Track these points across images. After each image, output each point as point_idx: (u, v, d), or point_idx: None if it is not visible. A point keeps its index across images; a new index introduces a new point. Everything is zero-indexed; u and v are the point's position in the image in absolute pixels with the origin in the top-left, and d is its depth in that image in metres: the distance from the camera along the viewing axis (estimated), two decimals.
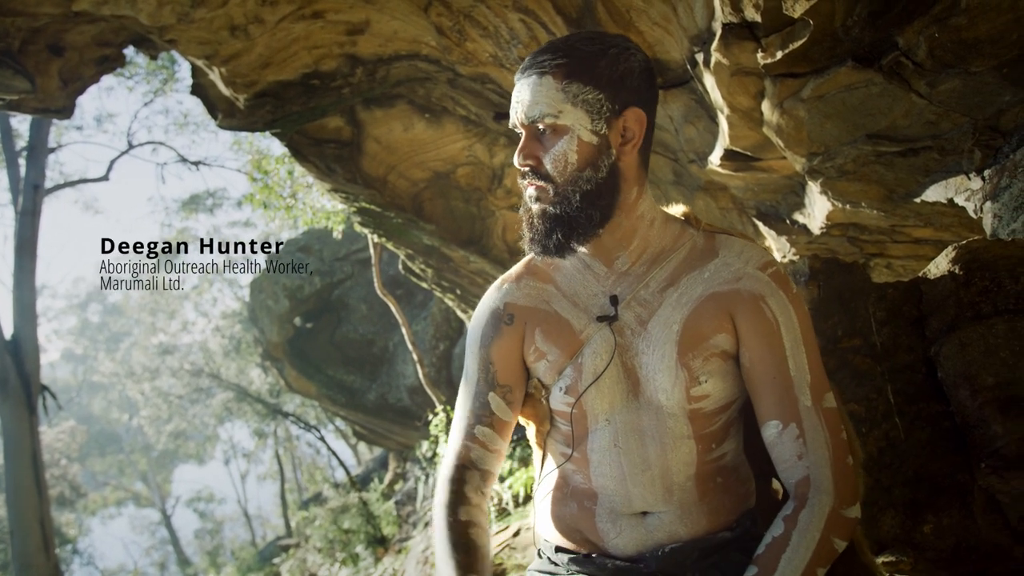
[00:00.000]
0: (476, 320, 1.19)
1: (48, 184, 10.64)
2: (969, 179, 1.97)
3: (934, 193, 2.12)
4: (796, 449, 1.00)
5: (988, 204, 1.90)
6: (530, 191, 1.06)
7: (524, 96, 1.03)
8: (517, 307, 1.15)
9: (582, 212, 1.03)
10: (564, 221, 1.04)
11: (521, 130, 1.06)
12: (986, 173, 1.91)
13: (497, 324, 1.15)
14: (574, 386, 1.08)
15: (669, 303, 1.07)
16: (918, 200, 2.20)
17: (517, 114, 1.05)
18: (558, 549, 1.12)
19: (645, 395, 1.06)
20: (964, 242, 1.33)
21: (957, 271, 1.29)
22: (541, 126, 1.03)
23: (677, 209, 1.18)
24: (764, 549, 0.98)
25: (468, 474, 1.13)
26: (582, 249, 1.12)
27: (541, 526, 1.18)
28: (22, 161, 10.11)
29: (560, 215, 1.03)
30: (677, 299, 1.07)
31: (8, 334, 9.09)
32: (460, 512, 1.09)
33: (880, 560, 1.20)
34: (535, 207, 1.06)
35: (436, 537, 1.08)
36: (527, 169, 1.05)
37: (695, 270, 1.08)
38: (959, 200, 2.05)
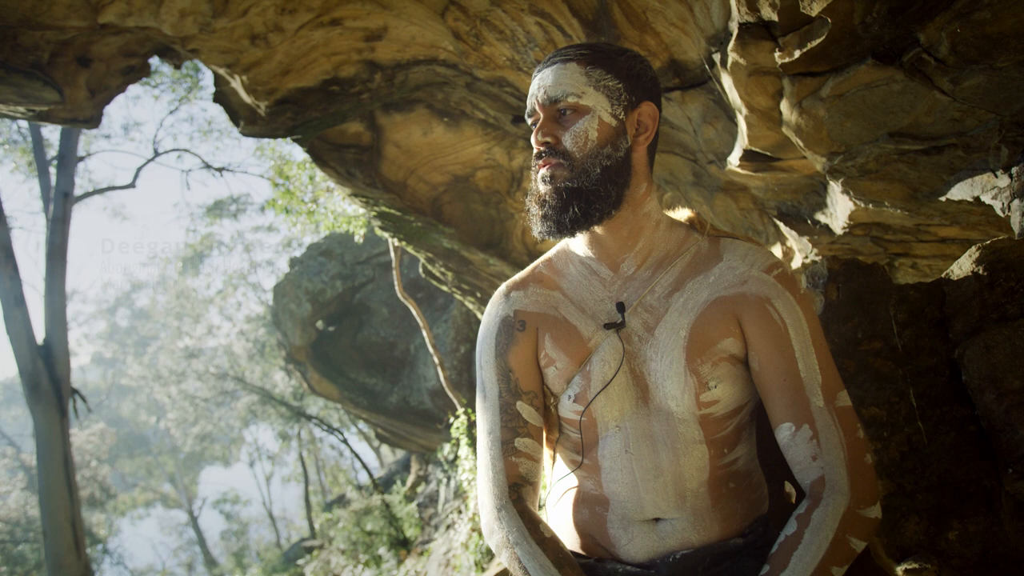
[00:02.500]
0: (486, 331, 1.17)
1: (77, 192, 10.87)
2: (996, 177, 1.93)
3: (960, 191, 2.07)
4: (810, 450, 0.99)
5: (1016, 202, 1.86)
6: (543, 171, 1.06)
7: (547, 80, 1.06)
8: (527, 313, 1.14)
9: (601, 186, 1.04)
10: (582, 195, 1.04)
11: (539, 113, 1.07)
12: (1013, 170, 1.86)
13: (510, 332, 1.14)
14: (583, 394, 1.07)
15: (675, 309, 1.06)
16: (943, 199, 2.15)
17: (538, 96, 1.07)
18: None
19: (655, 402, 1.05)
20: (988, 242, 1.30)
21: (981, 272, 1.26)
22: (562, 106, 1.05)
23: (682, 214, 1.17)
24: (777, 548, 0.97)
25: (524, 491, 1.08)
26: (588, 253, 1.12)
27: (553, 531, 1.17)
28: (52, 170, 10.34)
29: (578, 189, 1.04)
30: (683, 304, 1.06)
31: (40, 339, 9.30)
32: (543, 530, 1.04)
33: (903, 567, 1.18)
34: (548, 187, 1.05)
35: (530, 566, 0.99)
36: (544, 148, 1.05)
37: (700, 274, 1.08)
38: (986, 198, 2.00)
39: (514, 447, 1.09)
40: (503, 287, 1.20)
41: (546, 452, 1.22)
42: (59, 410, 9.11)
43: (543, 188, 1.06)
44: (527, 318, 1.13)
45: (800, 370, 1.01)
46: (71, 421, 9.50)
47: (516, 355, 1.12)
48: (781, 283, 1.06)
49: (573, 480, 1.13)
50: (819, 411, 1.00)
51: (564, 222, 1.04)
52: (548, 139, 1.05)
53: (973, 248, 1.31)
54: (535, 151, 1.07)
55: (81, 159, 11.02)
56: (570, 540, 1.12)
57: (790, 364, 1.01)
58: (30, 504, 15.70)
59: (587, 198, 1.04)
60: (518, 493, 1.08)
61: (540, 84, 1.07)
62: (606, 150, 1.04)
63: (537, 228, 1.07)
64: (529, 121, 1.10)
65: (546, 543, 1.02)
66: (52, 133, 11.42)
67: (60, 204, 9.81)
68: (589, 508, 1.09)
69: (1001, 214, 1.96)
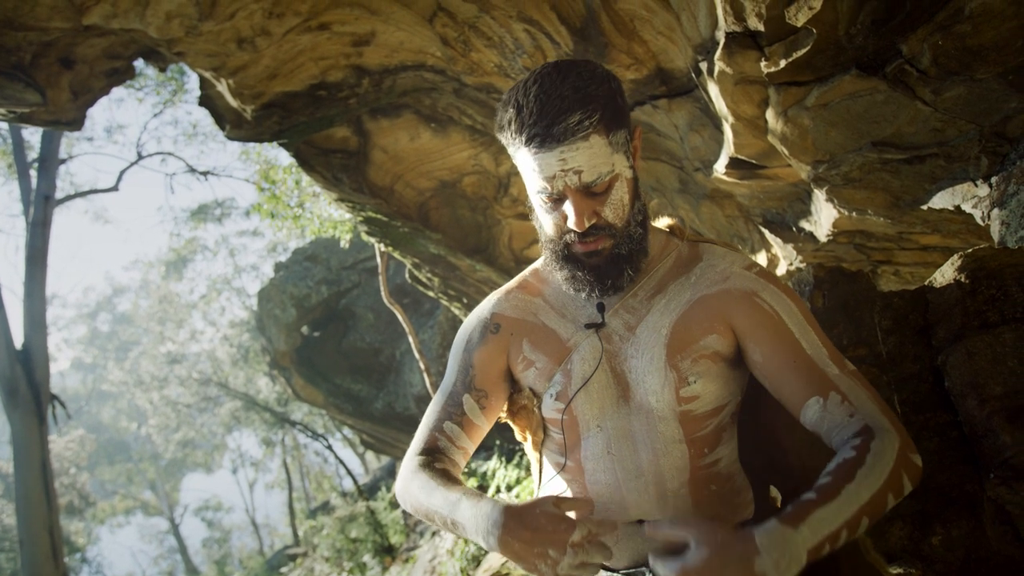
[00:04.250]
0: (463, 329, 1.22)
1: (59, 195, 10.72)
2: (976, 186, 1.96)
3: (941, 200, 2.11)
4: (846, 410, 0.99)
5: (996, 211, 1.89)
6: (589, 248, 1.04)
7: (578, 162, 0.97)
8: (504, 318, 1.17)
9: (644, 239, 1.08)
10: (633, 257, 1.07)
11: (564, 198, 1.01)
12: (993, 180, 1.90)
13: (484, 332, 1.17)
14: (564, 392, 1.09)
15: (657, 309, 1.08)
16: (925, 207, 2.19)
17: (569, 182, 0.98)
18: None
19: (635, 399, 1.06)
20: (970, 250, 1.32)
21: (963, 279, 1.28)
22: (596, 189, 1.00)
23: (662, 222, 1.20)
24: (835, 467, 0.92)
25: (437, 455, 1.14)
26: None
27: None
28: (33, 172, 10.21)
29: (628, 253, 1.06)
30: (665, 305, 1.08)
31: (19, 343, 9.15)
32: (436, 464, 1.11)
33: (888, 572, 1.19)
34: (598, 258, 1.05)
35: (415, 486, 1.07)
36: (591, 229, 1.02)
37: (681, 276, 1.11)
38: (966, 207, 2.04)
39: (441, 427, 1.15)
40: (492, 293, 1.23)
41: (533, 455, 1.23)
42: (37, 416, 8.96)
43: (590, 260, 1.05)
44: (503, 322, 1.17)
45: (805, 348, 1.03)
46: (50, 427, 9.35)
47: (481, 354, 1.16)
48: (762, 278, 1.08)
49: (558, 484, 1.14)
50: (838, 377, 1.01)
51: (622, 284, 1.08)
52: (595, 220, 1.02)
53: (955, 256, 1.33)
54: (576, 227, 1.01)
55: (63, 161, 10.89)
56: None
57: (794, 345, 1.03)
58: (6, 512, 15.41)
59: (636, 258, 1.07)
60: (432, 454, 1.14)
61: (568, 167, 0.97)
62: (636, 205, 1.07)
63: (589, 291, 1.08)
64: (543, 196, 1.02)
65: (435, 470, 1.08)
66: (33, 135, 11.30)
67: (41, 207, 9.68)
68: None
69: (981, 223, 1.99)
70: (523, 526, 0.89)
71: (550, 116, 0.95)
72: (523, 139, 0.98)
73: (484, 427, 1.18)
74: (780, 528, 0.83)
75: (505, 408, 1.21)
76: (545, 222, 1.06)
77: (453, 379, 1.18)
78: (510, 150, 1.03)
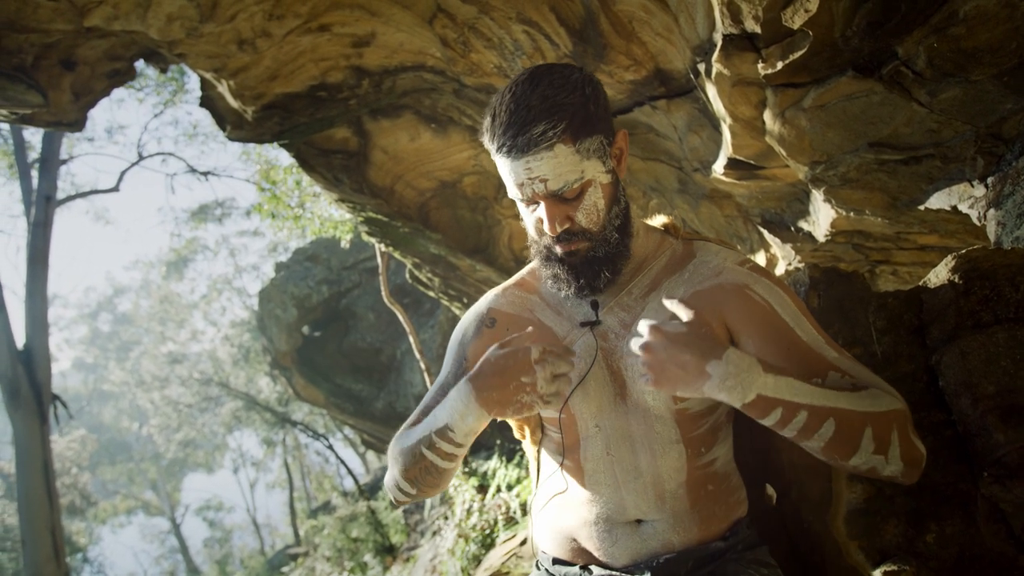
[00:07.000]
0: (460, 324, 1.23)
1: (59, 195, 10.73)
2: (972, 186, 1.97)
3: (938, 200, 2.12)
4: (848, 383, 0.98)
5: (992, 211, 1.90)
6: (566, 249, 1.05)
7: (542, 171, 0.98)
8: (501, 313, 1.18)
9: (621, 244, 1.08)
10: (610, 260, 1.06)
11: (537, 201, 1.03)
12: (989, 180, 1.91)
13: (479, 327, 1.18)
14: None
15: (652, 307, 1.09)
16: (922, 207, 2.20)
17: (536, 190, 1.00)
18: (555, 561, 1.12)
19: (632, 398, 1.07)
20: (963, 251, 1.33)
21: (957, 280, 1.29)
22: (567, 195, 1.01)
23: (658, 220, 1.21)
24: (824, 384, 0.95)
25: None
26: None
27: (539, 537, 1.18)
28: (34, 173, 10.22)
29: (604, 256, 1.06)
30: (659, 302, 1.09)
31: (20, 344, 9.17)
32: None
33: (883, 569, 1.20)
34: (574, 258, 1.06)
35: (395, 451, 1.09)
36: (563, 234, 1.04)
37: (675, 273, 1.11)
38: (963, 207, 2.05)
39: (426, 412, 1.15)
40: (489, 291, 1.24)
41: (531, 452, 1.24)
42: (39, 416, 8.98)
43: (569, 259, 1.07)
44: (499, 317, 1.18)
45: (800, 336, 1.01)
46: (51, 427, 9.36)
47: (476, 348, 1.17)
48: (754, 272, 1.08)
49: (557, 483, 1.15)
50: (838, 359, 1.00)
51: (599, 285, 1.08)
52: (567, 225, 1.03)
53: (949, 257, 1.34)
54: (549, 232, 1.04)
55: (63, 162, 10.91)
56: (555, 545, 1.13)
57: (789, 334, 1.01)
58: (8, 512, 15.43)
59: (613, 260, 1.07)
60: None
61: (534, 175, 0.98)
62: (614, 210, 1.06)
63: (567, 290, 1.09)
64: (522, 200, 1.05)
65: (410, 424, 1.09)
66: (34, 136, 11.32)
67: (42, 207, 9.70)
68: (573, 511, 1.11)
69: (978, 223, 2.00)
70: (490, 375, 0.95)
71: (516, 126, 0.97)
72: (495, 147, 1.01)
73: None
74: (751, 360, 0.88)
75: None
76: (527, 223, 1.09)
77: (447, 371, 1.19)
78: (491, 154, 1.06)
